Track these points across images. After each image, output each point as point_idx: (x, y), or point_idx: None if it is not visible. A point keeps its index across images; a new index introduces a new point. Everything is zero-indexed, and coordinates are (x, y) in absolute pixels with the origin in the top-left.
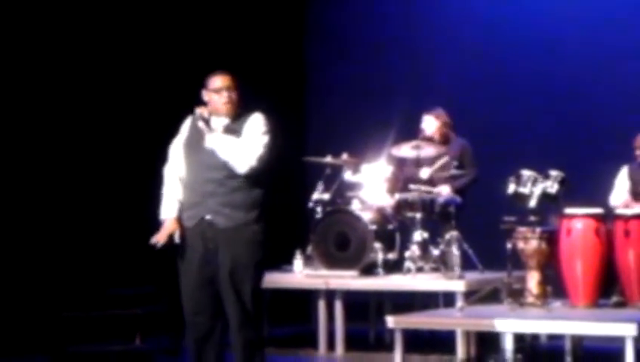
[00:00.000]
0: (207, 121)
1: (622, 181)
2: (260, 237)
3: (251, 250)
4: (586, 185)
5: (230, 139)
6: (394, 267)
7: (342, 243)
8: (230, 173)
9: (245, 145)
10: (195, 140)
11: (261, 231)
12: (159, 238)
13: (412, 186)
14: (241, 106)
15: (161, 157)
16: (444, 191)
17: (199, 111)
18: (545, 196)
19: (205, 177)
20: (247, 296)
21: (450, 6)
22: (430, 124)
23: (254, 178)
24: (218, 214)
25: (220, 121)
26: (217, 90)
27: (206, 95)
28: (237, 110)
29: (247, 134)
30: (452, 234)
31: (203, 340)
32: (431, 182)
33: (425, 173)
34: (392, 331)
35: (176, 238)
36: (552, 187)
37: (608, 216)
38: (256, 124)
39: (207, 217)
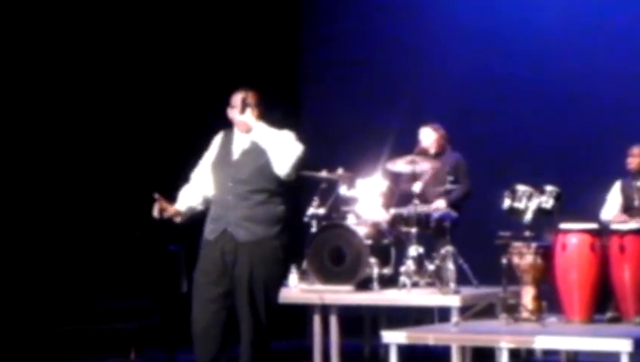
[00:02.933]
0: (245, 102)
1: (614, 196)
2: (279, 254)
3: (270, 265)
4: (581, 200)
5: (274, 132)
6: (389, 282)
7: (337, 257)
8: (254, 187)
9: (288, 145)
10: (223, 156)
11: (281, 247)
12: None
13: (415, 202)
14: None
15: (157, 172)
16: (440, 205)
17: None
18: (540, 211)
19: (229, 191)
20: (262, 311)
21: (448, 19)
22: (428, 135)
23: (278, 193)
24: (239, 227)
25: (245, 138)
26: (233, 107)
27: (229, 112)
28: (248, 127)
29: (282, 138)
30: (447, 249)
31: (213, 357)
32: (424, 196)
33: (417, 186)
34: (387, 346)
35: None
36: (548, 202)
37: (603, 232)
38: (288, 136)
39: (228, 230)
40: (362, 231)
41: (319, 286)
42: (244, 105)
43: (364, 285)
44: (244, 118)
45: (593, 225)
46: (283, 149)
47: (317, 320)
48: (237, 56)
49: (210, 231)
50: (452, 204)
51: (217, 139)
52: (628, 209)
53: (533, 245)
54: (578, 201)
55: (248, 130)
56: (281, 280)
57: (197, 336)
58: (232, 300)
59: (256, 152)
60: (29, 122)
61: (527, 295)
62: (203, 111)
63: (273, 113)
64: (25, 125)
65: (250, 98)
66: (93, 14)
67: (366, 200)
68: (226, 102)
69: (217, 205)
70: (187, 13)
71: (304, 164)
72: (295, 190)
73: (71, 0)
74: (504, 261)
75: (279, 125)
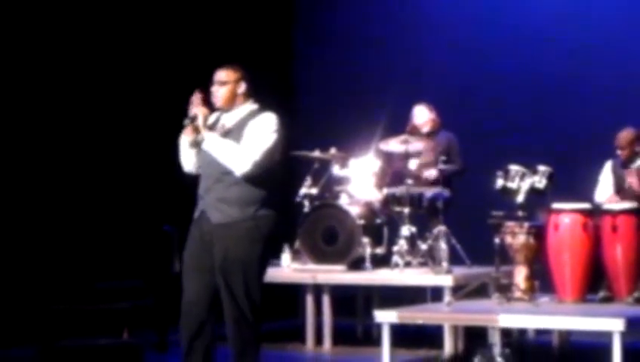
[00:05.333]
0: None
1: (606, 176)
2: (254, 234)
3: (246, 247)
4: (574, 180)
5: (226, 143)
6: (382, 261)
7: (330, 237)
8: (227, 170)
9: (241, 150)
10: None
11: (256, 227)
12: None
13: (408, 181)
14: (247, 101)
15: (150, 153)
16: (432, 174)
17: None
18: (533, 191)
19: (206, 172)
20: (240, 292)
21: (441, 4)
22: (422, 114)
23: (252, 178)
24: (214, 209)
25: (228, 117)
26: (211, 83)
27: None
28: (234, 105)
29: (249, 136)
30: (440, 228)
31: (195, 333)
32: (417, 175)
33: (413, 163)
34: (379, 325)
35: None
36: (540, 182)
37: (596, 211)
38: (261, 126)
39: (206, 211)
40: (355, 210)
41: (312, 266)
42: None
43: (356, 265)
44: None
45: (585, 205)
46: (233, 158)
47: (309, 300)
48: (231, 37)
49: (196, 210)
50: (445, 179)
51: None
52: (619, 190)
53: (526, 225)
54: (571, 181)
55: (223, 108)
56: (260, 260)
57: (182, 313)
58: (214, 279)
59: (229, 134)
60: (22, 110)
61: (520, 274)
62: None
63: (266, 94)
64: (18, 113)
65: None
66: (86, 7)
67: (359, 180)
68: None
69: (200, 185)
70: (180, 5)
71: (281, 153)
72: (287, 170)
73: None
74: (497, 241)
75: (270, 106)
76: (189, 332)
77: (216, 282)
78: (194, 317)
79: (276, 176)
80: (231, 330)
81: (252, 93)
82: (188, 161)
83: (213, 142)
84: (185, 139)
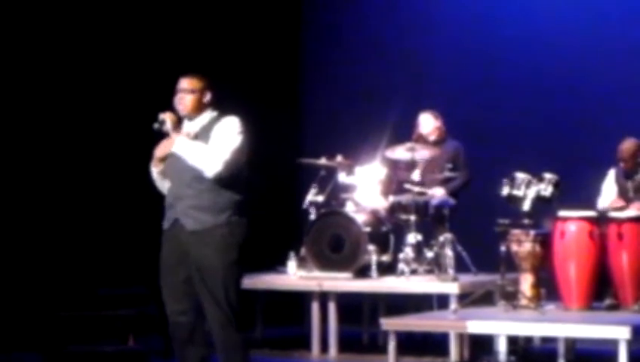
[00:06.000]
0: (167, 128)
1: (609, 184)
2: (229, 240)
3: (221, 252)
4: (580, 187)
5: (196, 144)
6: (388, 269)
7: (336, 245)
8: (197, 175)
9: (211, 151)
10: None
11: (230, 233)
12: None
13: (406, 186)
14: (209, 109)
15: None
16: (438, 193)
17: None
18: (539, 199)
19: (176, 180)
20: (221, 297)
21: (445, 8)
22: (428, 122)
23: (224, 181)
24: (187, 217)
25: (192, 124)
26: (176, 92)
27: None
28: (198, 113)
29: (217, 138)
30: (446, 236)
31: (187, 341)
32: (423, 183)
33: (416, 175)
34: (385, 333)
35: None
36: (546, 190)
37: (602, 219)
38: (227, 128)
39: (179, 220)
40: (361, 218)
41: (318, 274)
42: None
43: (362, 272)
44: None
45: (592, 213)
46: (203, 159)
47: (315, 308)
48: (238, 42)
49: (165, 220)
50: (451, 193)
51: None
52: (623, 200)
53: (532, 232)
54: (577, 189)
55: (188, 116)
56: (236, 266)
57: (169, 323)
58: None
59: (196, 139)
60: (25, 118)
61: (526, 282)
62: None
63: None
64: (17, 113)
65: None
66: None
67: (365, 188)
68: (225, 97)
69: (169, 194)
70: (186, 7)
71: (247, 156)
72: (293, 177)
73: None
74: (503, 248)
75: (276, 113)
76: (180, 340)
77: (196, 290)
78: (183, 326)
79: (244, 181)
80: (217, 337)
81: (214, 102)
82: (160, 178)
83: (183, 145)
84: (158, 151)
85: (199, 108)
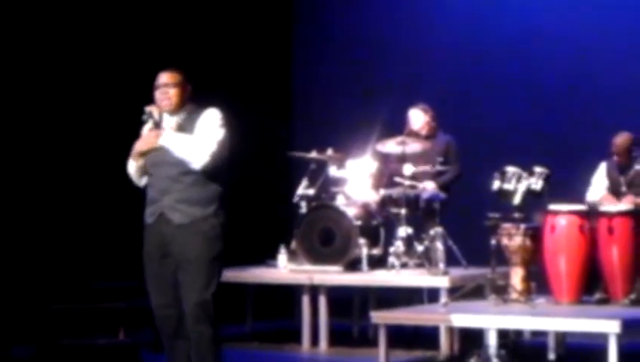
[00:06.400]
0: (156, 121)
1: (600, 177)
2: (217, 231)
3: (208, 244)
4: (570, 181)
5: (182, 136)
6: (378, 262)
7: (326, 238)
8: (184, 169)
9: (198, 142)
10: None
11: (219, 225)
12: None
13: (397, 179)
14: (189, 103)
15: None
16: (429, 186)
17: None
18: (529, 193)
19: (161, 174)
20: (202, 289)
21: (437, 5)
22: (418, 117)
23: (210, 173)
24: (174, 210)
25: (173, 119)
26: (157, 87)
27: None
28: (184, 106)
29: (201, 130)
30: (436, 230)
31: (174, 334)
32: (414, 177)
33: (408, 169)
34: (376, 326)
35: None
36: (537, 183)
37: (592, 213)
38: (210, 119)
39: (165, 214)
40: (352, 211)
41: (308, 267)
42: (152, 121)
43: (353, 266)
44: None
45: (582, 207)
46: (191, 151)
47: (306, 301)
48: (229, 38)
49: (148, 215)
50: (442, 187)
51: (148, 124)
52: (614, 193)
53: (522, 226)
54: (568, 182)
55: (171, 111)
56: (222, 257)
57: (155, 316)
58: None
59: (182, 132)
60: (21, 111)
61: (516, 276)
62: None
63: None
64: (16, 114)
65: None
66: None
67: (355, 181)
68: (217, 90)
69: (152, 188)
70: (178, 8)
71: (230, 148)
72: (284, 170)
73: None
74: (493, 242)
75: (267, 106)
76: (167, 333)
77: (179, 282)
78: (169, 319)
79: (226, 174)
80: (192, 330)
81: (193, 95)
82: (139, 174)
83: (170, 137)
84: (141, 145)
85: (182, 101)
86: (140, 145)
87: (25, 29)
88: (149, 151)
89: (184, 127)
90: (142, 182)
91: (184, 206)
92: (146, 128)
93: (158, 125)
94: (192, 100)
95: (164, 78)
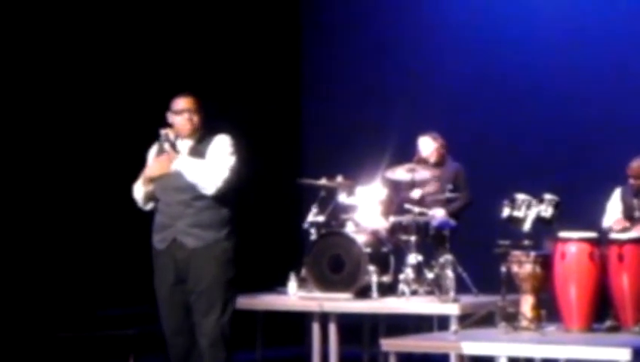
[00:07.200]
0: (172, 143)
1: (614, 204)
2: (230, 255)
3: (223, 268)
4: (580, 208)
5: (196, 161)
6: (388, 290)
7: (336, 265)
8: (197, 194)
9: (211, 167)
10: None
11: (231, 248)
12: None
13: (407, 206)
14: (203, 128)
15: None
16: (439, 214)
17: (164, 132)
18: (539, 220)
19: (173, 199)
20: (219, 313)
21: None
22: (427, 145)
23: (222, 197)
24: (188, 235)
25: (184, 143)
26: (179, 112)
27: (170, 117)
28: (199, 132)
29: (213, 156)
30: (446, 257)
31: (184, 360)
32: (424, 204)
33: (416, 193)
34: (385, 354)
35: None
36: (547, 211)
37: (602, 240)
38: (222, 146)
39: (178, 239)
40: (361, 238)
41: (318, 294)
42: (169, 144)
43: (363, 293)
44: (168, 151)
45: (592, 234)
46: (204, 176)
47: (316, 328)
48: (241, 68)
49: (159, 241)
50: (451, 214)
51: (154, 149)
52: (628, 218)
53: (533, 254)
54: (578, 209)
55: (189, 136)
56: (234, 280)
57: (167, 343)
58: (190, 305)
59: (195, 157)
60: (23, 130)
61: (526, 303)
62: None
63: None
64: (18, 134)
65: (171, 134)
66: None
67: (365, 208)
68: (224, 105)
69: (163, 213)
70: (185, 15)
71: (241, 174)
72: (294, 197)
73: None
74: (503, 269)
75: (278, 133)
76: (179, 359)
77: (192, 307)
78: (180, 347)
79: (235, 198)
80: (207, 354)
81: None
82: (146, 199)
83: (184, 161)
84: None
85: (200, 126)
86: (152, 171)
87: (31, 48)
88: (160, 176)
89: (196, 152)
90: (148, 206)
91: (197, 230)
92: (153, 152)
93: (174, 147)
94: (203, 126)
95: (187, 103)
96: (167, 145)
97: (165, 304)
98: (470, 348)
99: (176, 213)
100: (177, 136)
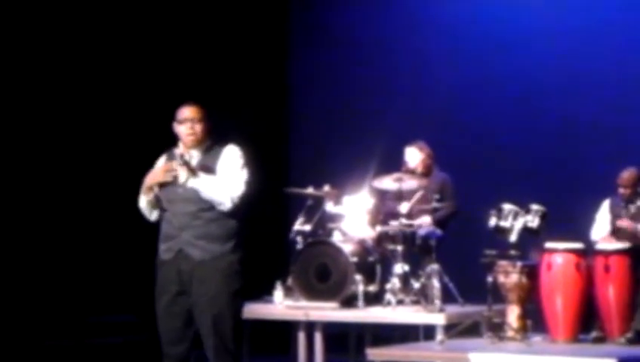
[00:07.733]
0: (188, 163)
1: (603, 214)
2: (236, 268)
3: (228, 280)
4: (567, 219)
5: (211, 178)
6: (374, 299)
7: (322, 274)
8: (204, 205)
9: (227, 184)
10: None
11: (237, 261)
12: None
13: (392, 222)
14: (209, 138)
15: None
16: (425, 221)
17: (179, 152)
18: (526, 230)
19: (178, 211)
20: (225, 325)
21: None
22: (414, 156)
23: (231, 210)
24: (194, 247)
25: (191, 154)
26: (182, 122)
27: (175, 127)
28: (205, 142)
29: (226, 170)
30: (433, 267)
31: None
32: (410, 214)
33: (404, 207)
34: None
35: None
36: (533, 221)
37: (589, 251)
38: (233, 159)
39: (184, 250)
40: (348, 248)
41: (304, 303)
42: (184, 164)
43: (349, 302)
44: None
45: (578, 245)
46: (221, 193)
47: (302, 337)
48: (225, 75)
49: (164, 251)
50: (437, 222)
51: (162, 159)
52: (616, 229)
53: (519, 264)
54: (565, 219)
55: (194, 146)
56: (241, 293)
57: (164, 355)
58: (194, 317)
59: (202, 171)
60: (23, 138)
61: (512, 314)
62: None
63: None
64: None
65: (186, 154)
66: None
67: (352, 218)
68: (217, 113)
69: (169, 224)
70: (178, 20)
71: (252, 186)
72: (280, 206)
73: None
74: (489, 279)
75: (264, 142)
76: None
77: (195, 322)
78: (174, 358)
79: (244, 210)
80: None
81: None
82: (150, 208)
83: (201, 180)
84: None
85: (206, 137)
86: (149, 179)
87: (34, 57)
88: (157, 184)
89: (206, 165)
90: (153, 216)
91: (203, 242)
92: (160, 162)
93: (189, 167)
94: (210, 136)
95: (190, 112)
96: (180, 165)
97: (164, 313)
98: (478, 359)
99: (183, 223)
100: (188, 148)
